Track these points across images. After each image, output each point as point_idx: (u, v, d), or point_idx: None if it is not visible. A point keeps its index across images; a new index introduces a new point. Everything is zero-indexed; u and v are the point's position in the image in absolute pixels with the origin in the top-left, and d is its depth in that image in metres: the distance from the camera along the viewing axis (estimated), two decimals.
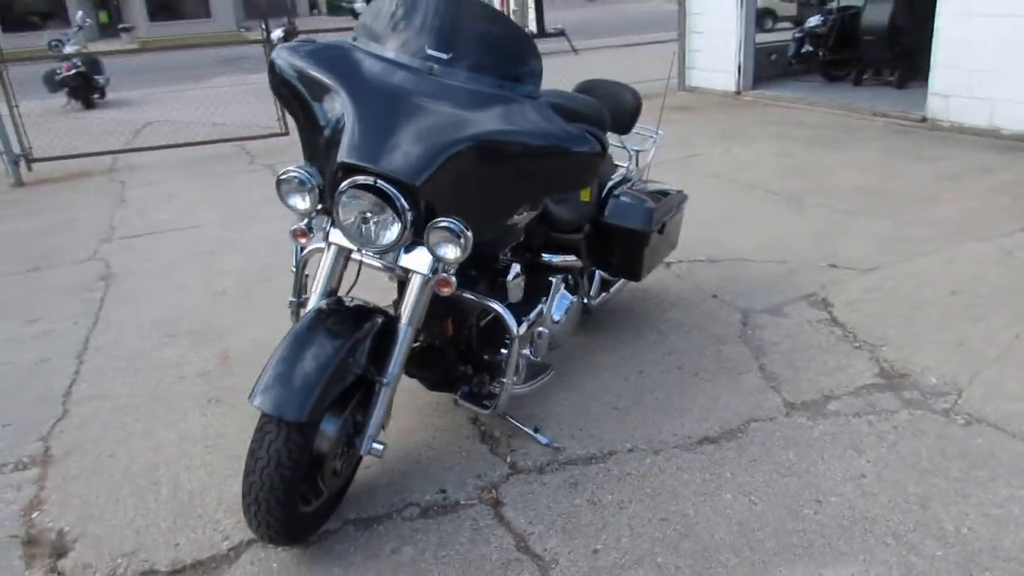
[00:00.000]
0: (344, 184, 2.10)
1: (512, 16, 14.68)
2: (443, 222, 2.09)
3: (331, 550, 2.33)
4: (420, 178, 2.06)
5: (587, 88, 3.49)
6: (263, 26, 8.89)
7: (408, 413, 2.97)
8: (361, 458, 2.41)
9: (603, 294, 3.46)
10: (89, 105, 11.85)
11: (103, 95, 12.59)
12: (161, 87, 13.52)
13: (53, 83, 11.51)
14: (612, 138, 3.55)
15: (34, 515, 2.56)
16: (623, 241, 3.27)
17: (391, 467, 2.68)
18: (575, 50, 14.96)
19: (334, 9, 39.12)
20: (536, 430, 2.80)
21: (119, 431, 3.00)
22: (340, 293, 2.39)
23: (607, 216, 3.23)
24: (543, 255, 3.00)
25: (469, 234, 2.10)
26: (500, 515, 2.43)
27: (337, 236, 2.28)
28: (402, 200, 2.07)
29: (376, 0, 2.38)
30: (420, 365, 2.70)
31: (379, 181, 2.07)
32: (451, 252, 2.12)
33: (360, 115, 2.15)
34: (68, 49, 11.60)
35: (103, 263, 4.92)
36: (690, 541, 2.28)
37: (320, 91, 2.26)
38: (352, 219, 2.14)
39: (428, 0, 2.29)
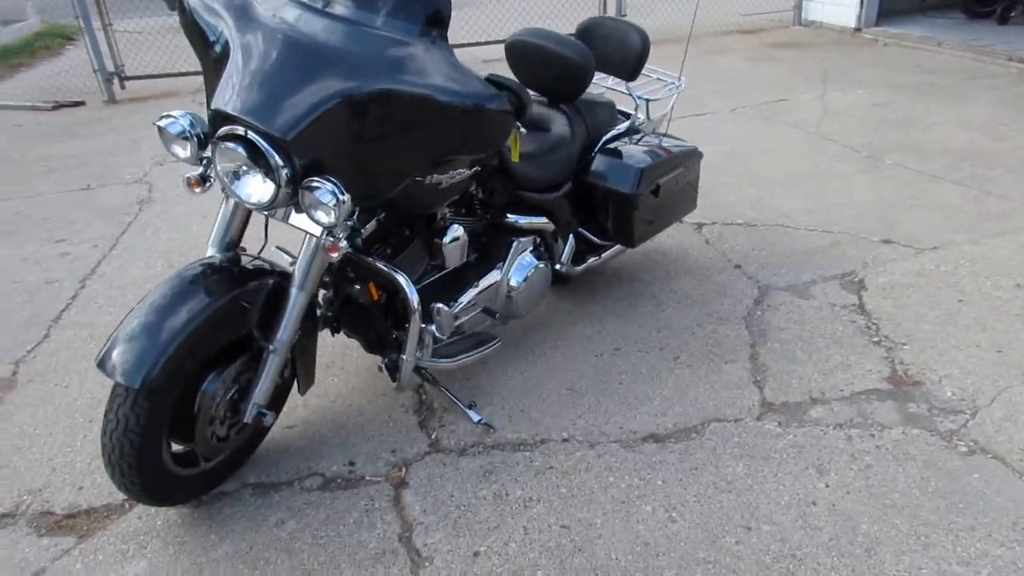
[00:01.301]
0: (217, 134, 1.92)
1: None
2: (314, 182, 1.87)
3: (218, 513, 2.24)
4: (291, 132, 1.84)
5: (590, 26, 3.12)
6: None
7: (355, 373, 2.83)
8: (263, 425, 2.28)
9: (593, 259, 3.15)
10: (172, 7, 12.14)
11: None
12: None
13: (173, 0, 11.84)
14: (617, 84, 3.19)
15: None
16: (609, 203, 2.94)
17: (313, 430, 2.56)
18: None
19: None
20: (471, 406, 2.59)
21: (83, 362, 3.02)
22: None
23: (590, 174, 2.90)
24: (508, 216, 2.73)
25: (344, 197, 1.88)
26: (398, 498, 2.27)
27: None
28: (275, 155, 1.86)
29: None
30: (353, 326, 2.54)
31: (251, 132, 1.87)
32: (322, 216, 1.91)
33: (241, 58, 1.94)
34: None
35: (147, 187, 5.01)
36: (582, 557, 2.04)
37: (216, 30, 2.06)
38: (226, 172, 1.96)
39: None
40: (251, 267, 2.17)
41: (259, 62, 1.91)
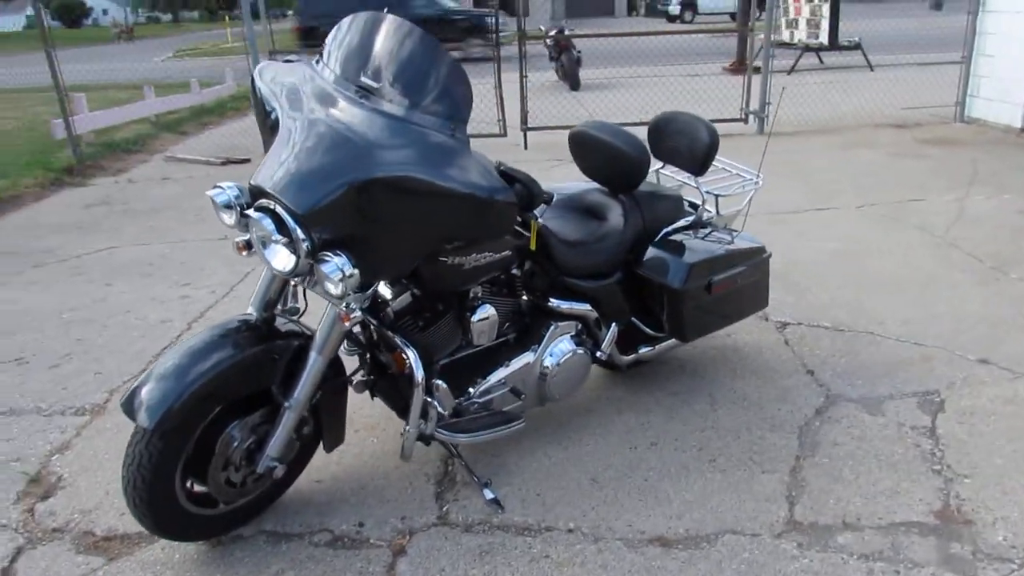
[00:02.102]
0: (253, 206, 2.13)
1: (805, 26, 13.64)
2: (325, 256, 2.03)
3: (229, 555, 2.39)
4: (307, 208, 2.02)
5: (663, 121, 3.17)
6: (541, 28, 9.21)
7: (393, 437, 2.94)
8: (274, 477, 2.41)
9: (646, 350, 3.12)
10: None
11: None
12: None
13: None
14: (683, 178, 3.20)
15: (54, 457, 2.94)
16: (658, 296, 2.93)
17: (338, 487, 2.68)
18: (871, 66, 13.54)
19: (651, 11, 39.22)
20: (487, 484, 2.62)
21: None
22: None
23: (641, 266, 2.91)
24: (551, 300, 2.78)
25: (350, 272, 2.02)
26: (393, 565, 2.33)
27: None
28: (296, 229, 2.04)
29: (341, 21, 2.36)
30: (385, 392, 2.66)
31: (278, 207, 2.06)
32: (331, 288, 2.06)
33: (280, 138, 2.16)
34: None
35: None
36: None
37: (272, 110, 2.29)
38: (257, 241, 2.16)
39: (369, 26, 2.23)
40: (283, 328, 2.35)
41: (293, 144, 2.12)
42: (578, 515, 2.51)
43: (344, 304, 2.16)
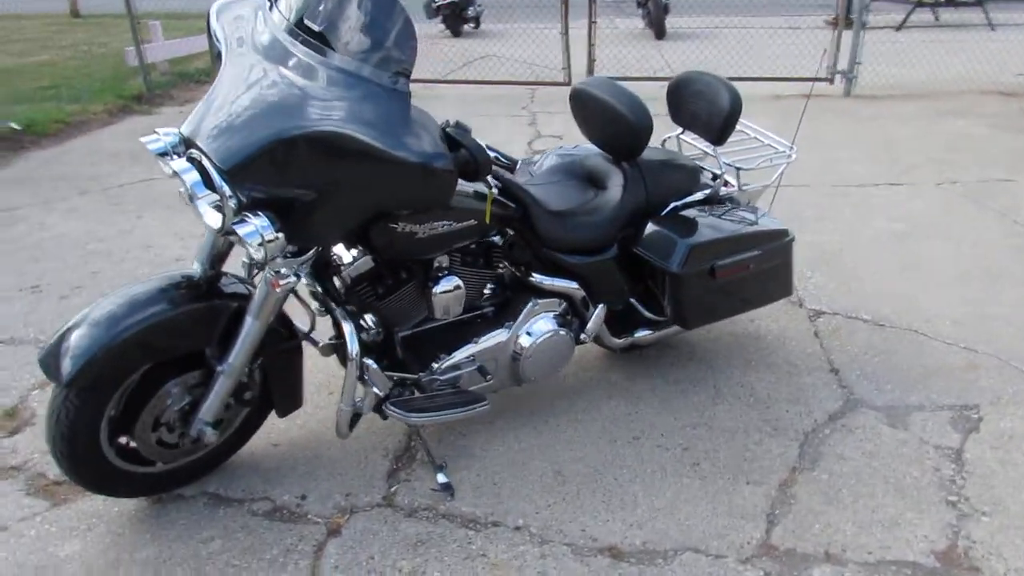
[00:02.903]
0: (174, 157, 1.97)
1: None
2: (246, 217, 1.86)
3: (165, 515, 2.32)
4: (231, 163, 1.85)
5: (683, 81, 2.85)
6: None
7: None
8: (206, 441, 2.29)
9: (644, 333, 2.85)
10: (456, 34, 12.82)
11: (477, 24, 13.52)
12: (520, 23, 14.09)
13: (430, 10, 12.65)
14: (700, 147, 2.88)
15: (34, 392, 2.92)
16: (657, 278, 2.66)
17: (292, 454, 2.57)
18: (991, 25, 12.33)
19: None
20: (442, 466, 2.46)
21: None
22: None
23: (638, 243, 2.63)
24: (533, 275, 2.55)
25: (271, 236, 1.85)
26: (323, 545, 2.20)
27: None
28: (223, 185, 1.87)
29: None
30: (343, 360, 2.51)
31: (204, 159, 1.90)
32: (252, 252, 1.89)
33: (216, 85, 1.99)
34: None
35: None
36: None
37: (217, 54, 2.12)
38: (185, 195, 2.00)
39: None
40: (227, 288, 2.20)
41: (226, 92, 1.94)
42: (531, 511, 2.31)
43: (274, 269, 2.00)
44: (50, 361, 1.98)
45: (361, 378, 2.32)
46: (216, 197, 1.88)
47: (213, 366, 2.16)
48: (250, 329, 2.12)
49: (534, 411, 2.78)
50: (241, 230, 1.83)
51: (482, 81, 8.24)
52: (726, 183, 2.92)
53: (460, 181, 2.03)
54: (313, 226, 1.97)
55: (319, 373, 2.87)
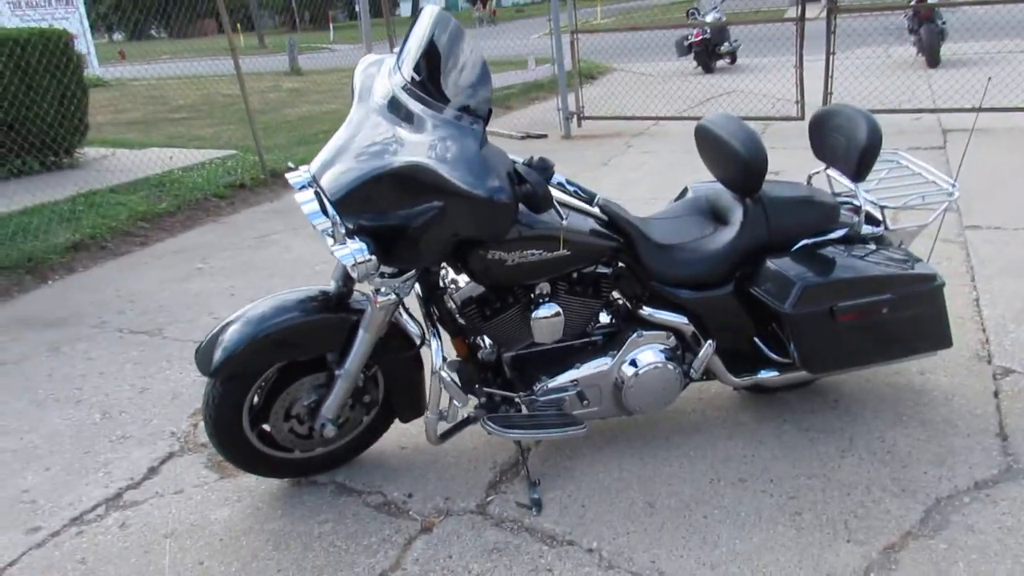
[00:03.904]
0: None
1: None
2: (346, 241, 2.17)
3: (297, 496, 2.69)
4: (338, 196, 2.19)
5: (825, 115, 2.78)
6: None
7: None
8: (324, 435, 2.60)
9: (769, 375, 2.76)
10: (708, 70, 12.77)
11: (733, 60, 13.37)
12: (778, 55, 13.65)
13: (682, 48, 12.75)
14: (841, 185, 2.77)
15: None
16: (770, 317, 2.59)
17: (415, 456, 2.83)
18: None
19: None
20: (536, 483, 2.58)
21: None
22: None
23: (753, 280, 2.59)
24: (644, 307, 2.62)
25: (362, 257, 2.14)
26: (412, 540, 2.43)
27: None
28: (334, 214, 2.22)
29: None
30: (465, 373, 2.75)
31: (323, 193, 2.26)
32: (350, 272, 2.19)
33: (340, 130, 2.34)
34: (708, 18, 12.67)
35: None
36: None
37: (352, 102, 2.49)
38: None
39: (423, 19, 2.28)
40: (353, 304, 2.54)
41: (345, 136, 2.29)
42: (608, 536, 2.36)
43: (374, 288, 2.29)
44: (201, 356, 2.43)
45: (469, 389, 2.55)
46: (329, 224, 2.21)
47: (334, 370, 2.49)
48: (361, 340, 2.43)
49: (647, 441, 2.81)
50: (338, 253, 2.14)
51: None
52: (875, 222, 2.75)
53: (550, 215, 2.20)
54: (404, 251, 2.23)
55: None
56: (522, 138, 8.64)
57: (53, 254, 5.49)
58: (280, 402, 2.53)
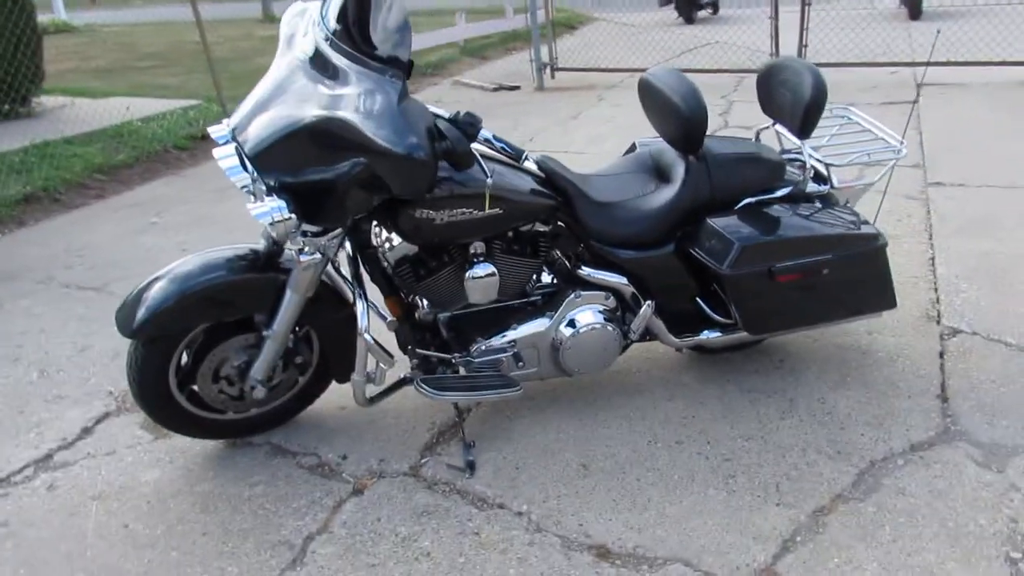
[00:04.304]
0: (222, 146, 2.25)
1: None
2: (265, 198, 2.09)
3: (231, 457, 2.64)
4: (255, 151, 2.10)
5: (773, 69, 2.71)
6: None
7: None
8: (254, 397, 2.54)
9: (712, 335, 2.71)
10: (689, 21, 12.55)
11: (715, 10, 13.15)
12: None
13: None
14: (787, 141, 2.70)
15: None
16: (710, 277, 2.54)
17: (353, 416, 2.77)
18: None
19: None
20: (471, 445, 2.55)
21: None
22: None
23: (692, 240, 2.53)
24: (582, 267, 2.56)
25: (280, 216, 2.06)
26: (341, 503, 2.39)
27: None
28: (253, 171, 2.13)
29: None
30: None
31: (242, 148, 2.16)
32: (269, 231, 2.11)
33: (261, 82, 2.24)
34: None
35: None
36: None
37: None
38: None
39: None
40: (283, 262, 2.46)
41: (266, 89, 2.19)
42: (539, 499, 2.34)
43: (296, 248, 2.21)
44: (121, 317, 2.35)
45: (405, 350, 2.50)
46: (249, 181, 2.13)
47: (262, 331, 2.43)
48: (289, 300, 2.35)
49: (589, 402, 2.78)
50: (254, 211, 2.06)
51: (689, 70, 8.03)
52: (821, 181, 2.69)
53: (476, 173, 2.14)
54: (325, 209, 2.15)
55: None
56: (494, 89, 8.48)
57: (2, 207, 5.34)
58: (207, 363, 2.46)
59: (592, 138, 6.20)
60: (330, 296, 2.47)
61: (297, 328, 2.50)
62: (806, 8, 6.93)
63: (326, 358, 2.61)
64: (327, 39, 2.14)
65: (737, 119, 6.41)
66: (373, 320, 2.40)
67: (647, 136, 2.85)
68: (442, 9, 11.80)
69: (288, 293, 2.35)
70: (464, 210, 2.26)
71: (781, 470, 2.39)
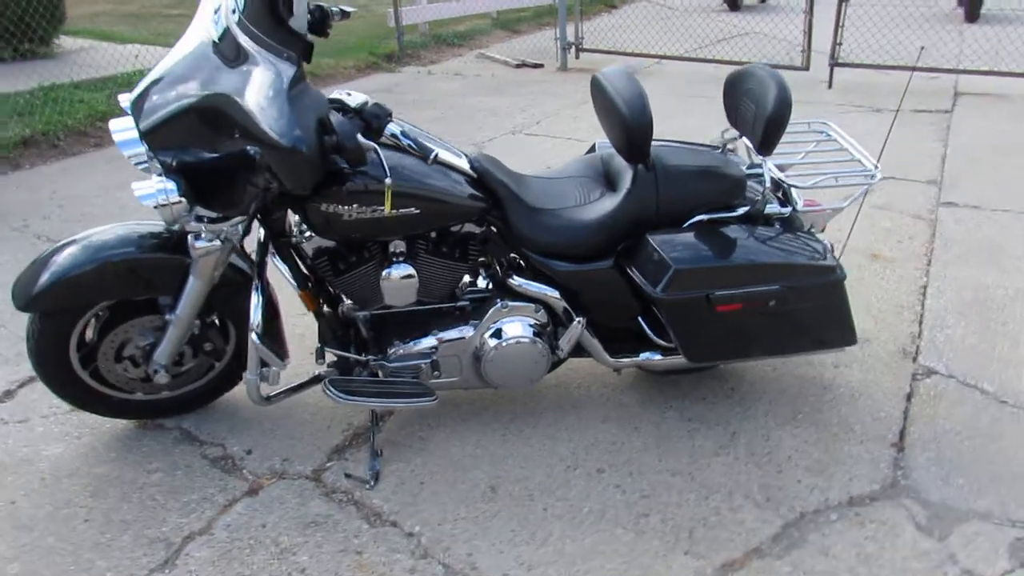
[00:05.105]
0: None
1: None
2: (153, 179, 1.95)
3: (138, 439, 2.53)
4: (146, 127, 1.96)
5: (740, 76, 2.49)
6: None
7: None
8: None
9: (651, 356, 2.52)
10: (734, 7, 12.09)
11: None
12: None
13: None
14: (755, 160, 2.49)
15: None
16: (644, 296, 2.35)
17: (270, 409, 2.65)
18: None
19: None
20: (378, 454, 2.42)
21: None
22: None
23: (627, 256, 2.34)
24: (513, 276, 2.39)
25: (168, 199, 1.93)
26: (232, 502, 2.28)
27: None
28: (144, 147, 2.00)
29: None
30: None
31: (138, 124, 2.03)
32: (159, 213, 1.98)
33: (167, 55, 2.09)
34: None
35: (482, 144, 5.45)
36: None
37: None
38: None
39: None
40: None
41: (169, 61, 2.04)
42: (434, 521, 2.19)
43: (191, 233, 2.08)
44: (18, 287, 2.24)
45: (322, 350, 2.37)
46: (143, 156, 1.99)
47: (164, 314, 2.30)
48: (191, 286, 2.23)
49: (516, 416, 2.62)
50: (137, 191, 1.92)
51: (716, 60, 7.72)
52: (785, 202, 2.47)
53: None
54: (220, 194, 2.01)
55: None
56: (517, 66, 8.25)
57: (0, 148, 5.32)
58: (109, 342, 2.35)
59: (598, 127, 5.95)
60: (245, 284, 2.33)
61: (208, 315, 2.37)
62: (843, 4, 6.54)
63: (241, 347, 2.48)
64: (235, 11, 1.97)
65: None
66: (302, 311, 2.28)
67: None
68: None
69: (191, 280, 2.22)
70: (371, 207, 2.09)
71: (700, 514, 2.21)
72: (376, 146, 1.96)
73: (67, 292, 2.20)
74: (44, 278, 2.19)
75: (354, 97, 2.05)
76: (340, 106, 2.02)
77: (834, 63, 6.75)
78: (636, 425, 2.58)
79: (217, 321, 2.46)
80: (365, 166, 1.95)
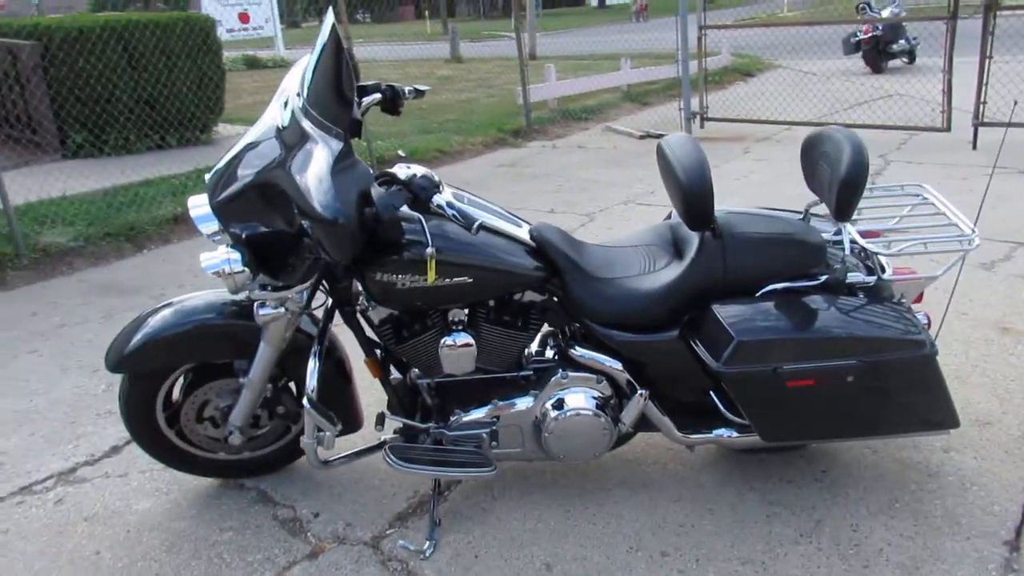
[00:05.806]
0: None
1: None
2: (219, 249, 2.09)
3: (216, 497, 2.64)
4: (216, 203, 2.11)
5: (816, 138, 2.37)
6: None
7: None
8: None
9: (725, 434, 2.37)
10: (877, 70, 11.64)
11: (911, 59, 12.10)
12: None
13: (849, 45, 11.69)
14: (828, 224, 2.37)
15: None
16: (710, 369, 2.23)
17: (341, 472, 2.68)
18: None
19: None
20: (437, 524, 2.39)
21: None
22: None
23: (691, 327, 2.24)
24: (576, 346, 2.36)
25: (231, 268, 2.06)
26: (292, 565, 2.31)
27: None
28: (217, 222, 2.15)
29: None
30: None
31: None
32: (224, 282, 2.11)
33: (246, 135, 2.25)
34: (885, 12, 11.55)
35: (588, 218, 5.46)
36: None
37: None
38: None
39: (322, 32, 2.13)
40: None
41: (237, 146, 2.20)
42: None
43: (255, 300, 2.19)
44: (110, 352, 2.42)
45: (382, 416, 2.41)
46: (215, 229, 2.14)
47: (239, 377, 2.42)
48: (262, 351, 2.33)
49: (585, 491, 2.53)
50: (204, 261, 2.05)
51: (850, 124, 7.39)
52: (872, 270, 2.30)
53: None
54: (278, 264, 2.11)
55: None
56: (641, 137, 8.27)
57: (153, 225, 5.86)
58: (190, 403, 2.49)
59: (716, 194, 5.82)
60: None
61: (280, 379, 2.48)
62: (987, 61, 6.14)
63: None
64: (299, 94, 2.10)
65: (901, 180, 5.76)
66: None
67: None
68: (616, 53, 11.73)
69: (261, 346, 2.32)
70: (423, 277, 2.13)
71: None
72: (421, 217, 2.00)
73: (152, 355, 2.36)
74: (131, 342, 2.36)
75: (409, 169, 2.11)
76: (390, 179, 2.09)
77: (978, 123, 6.30)
78: (710, 507, 2.42)
79: (293, 386, 2.55)
80: (402, 237, 1.99)
